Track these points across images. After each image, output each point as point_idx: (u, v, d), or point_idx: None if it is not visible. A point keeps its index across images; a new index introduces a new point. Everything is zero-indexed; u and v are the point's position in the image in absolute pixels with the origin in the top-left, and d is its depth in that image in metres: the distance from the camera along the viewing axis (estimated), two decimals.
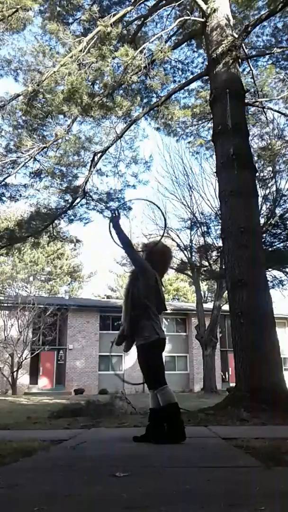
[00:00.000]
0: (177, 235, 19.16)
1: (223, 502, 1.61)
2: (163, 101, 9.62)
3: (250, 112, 11.51)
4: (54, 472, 2.27)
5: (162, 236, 4.40)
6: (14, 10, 7.35)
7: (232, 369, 20.44)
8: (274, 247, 15.31)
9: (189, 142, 14.07)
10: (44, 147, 9.89)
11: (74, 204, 11.40)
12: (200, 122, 12.63)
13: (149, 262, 3.45)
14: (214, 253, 17.72)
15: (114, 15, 8.35)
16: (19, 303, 20.41)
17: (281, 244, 15.39)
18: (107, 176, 12.23)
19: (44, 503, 1.61)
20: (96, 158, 10.88)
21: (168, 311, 24.52)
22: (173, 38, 10.50)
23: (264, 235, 14.37)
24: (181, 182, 18.55)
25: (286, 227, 15.18)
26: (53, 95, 7.89)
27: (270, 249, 14.85)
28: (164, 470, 2.27)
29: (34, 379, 21.57)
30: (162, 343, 3.34)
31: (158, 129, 12.86)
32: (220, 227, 12.63)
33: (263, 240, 12.51)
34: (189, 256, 18.99)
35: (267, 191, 15.59)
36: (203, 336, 18.46)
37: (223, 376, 23.61)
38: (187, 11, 9.53)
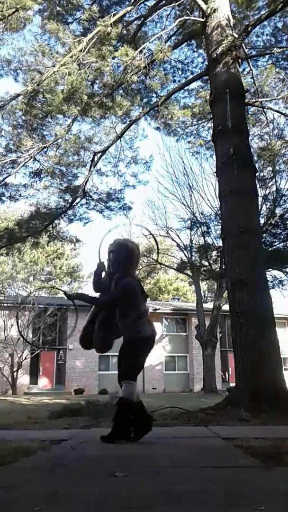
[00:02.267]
0: (177, 235, 19.20)
1: (223, 502, 1.61)
2: (163, 101, 9.61)
3: (250, 112, 11.50)
4: (54, 472, 2.27)
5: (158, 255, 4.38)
6: (14, 10, 7.34)
7: (232, 369, 20.44)
8: (274, 247, 15.31)
9: (189, 142, 14.07)
10: (44, 147, 9.88)
11: (74, 204, 11.39)
12: (200, 122, 12.63)
13: (130, 263, 3.45)
14: (214, 253, 17.72)
15: (114, 15, 8.34)
16: (19, 303, 20.41)
17: (281, 244, 15.39)
18: (107, 176, 12.23)
19: (44, 503, 1.61)
20: (96, 158, 10.87)
21: (168, 311, 24.54)
22: (173, 38, 10.50)
23: (264, 235, 14.37)
24: (181, 182, 18.59)
25: (286, 227, 15.18)
26: (53, 95, 7.88)
27: (270, 249, 14.85)
28: (164, 470, 2.27)
29: (34, 379, 21.57)
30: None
31: (158, 128, 12.87)
32: (220, 227, 12.62)
33: (263, 240, 12.50)
34: (189, 256, 18.99)
35: (267, 191, 15.61)
36: (203, 336, 18.46)
37: (223, 376, 23.61)
38: (187, 11, 9.52)
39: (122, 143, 11.48)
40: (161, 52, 7.50)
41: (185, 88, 11.12)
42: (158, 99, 10.19)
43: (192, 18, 8.81)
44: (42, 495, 1.76)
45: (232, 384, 13.65)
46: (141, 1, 9.34)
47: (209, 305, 22.06)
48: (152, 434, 3.33)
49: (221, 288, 17.95)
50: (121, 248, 3.42)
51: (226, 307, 8.61)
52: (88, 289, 41.89)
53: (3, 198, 10.91)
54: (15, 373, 19.70)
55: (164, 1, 9.73)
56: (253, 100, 9.82)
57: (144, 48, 7.97)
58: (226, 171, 6.68)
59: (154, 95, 10.93)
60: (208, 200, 17.61)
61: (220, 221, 11.33)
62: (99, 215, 12.23)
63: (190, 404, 7.40)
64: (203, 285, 27.44)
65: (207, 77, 8.74)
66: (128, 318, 3.35)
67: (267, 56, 10.98)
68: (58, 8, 9.92)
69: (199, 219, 17.88)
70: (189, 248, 18.69)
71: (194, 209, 18.11)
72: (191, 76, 11.06)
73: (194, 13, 9.38)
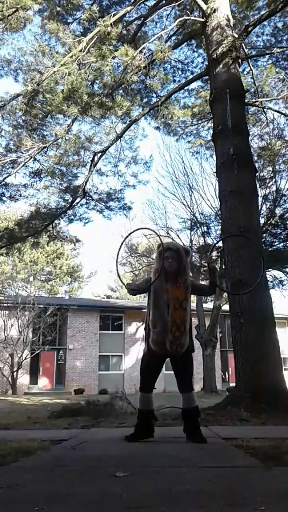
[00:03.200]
0: (177, 235, 19.16)
1: (223, 502, 1.61)
2: (163, 101, 9.61)
3: (250, 112, 11.50)
4: (54, 472, 2.27)
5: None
6: (14, 10, 7.33)
7: (232, 369, 20.44)
8: (274, 247, 15.30)
9: (189, 142, 14.08)
10: (44, 147, 9.88)
11: (74, 204, 11.40)
12: (200, 122, 12.63)
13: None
14: (214, 253, 17.70)
15: (114, 15, 8.34)
16: (19, 303, 20.41)
17: (281, 244, 15.38)
18: (107, 176, 12.22)
19: (44, 503, 1.61)
20: (96, 158, 10.88)
21: None
22: (173, 38, 10.50)
23: (264, 235, 14.36)
24: (181, 182, 18.55)
25: (286, 227, 15.17)
26: (53, 95, 7.89)
27: (270, 249, 14.85)
28: (164, 470, 2.27)
29: (34, 379, 21.58)
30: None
31: (157, 128, 12.87)
32: (220, 227, 12.63)
33: (263, 240, 12.51)
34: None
35: (267, 191, 15.58)
36: (203, 336, 18.46)
37: (223, 376, 23.62)
38: (187, 11, 9.52)
39: (122, 143, 11.49)
40: (161, 52, 7.50)
41: (185, 88, 11.13)
42: (158, 99, 10.19)
43: (192, 18, 8.80)
44: (42, 495, 1.76)
45: (232, 384, 13.65)
46: (141, 1, 9.34)
47: (209, 305, 22.05)
48: None
49: None
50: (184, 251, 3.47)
51: (226, 307, 8.61)
52: (89, 288, 41.94)
53: (3, 198, 10.91)
54: (15, 373, 19.69)
55: (164, 1, 9.73)
56: (253, 100, 9.82)
57: (144, 48, 7.98)
58: (226, 171, 6.68)
59: (154, 95, 10.94)
60: (208, 200, 17.58)
61: (220, 221, 11.34)
62: (99, 215, 12.24)
63: None
64: None
65: (207, 77, 8.74)
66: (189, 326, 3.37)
67: (267, 56, 10.98)
68: (58, 8, 9.91)
69: (199, 219, 17.86)
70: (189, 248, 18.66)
71: (194, 209, 18.08)
72: (191, 76, 11.06)
73: (194, 13, 9.38)
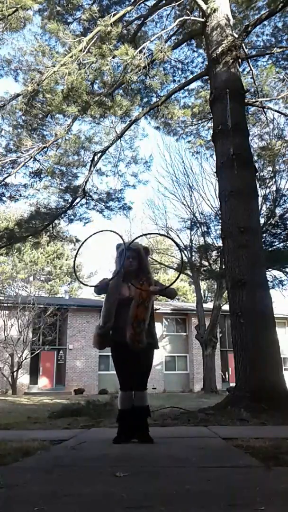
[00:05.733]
0: (177, 235, 19.17)
1: (223, 502, 1.61)
2: (163, 101, 9.61)
3: (250, 112, 11.50)
4: (54, 472, 2.26)
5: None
6: (14, 9, 7.33)
7: (232, 369, 20.44)
8: (274, 247, 15.30)
9: (189, 142, 14.10)
10: (44, 147, 9.88)
11: (74, 204, 11.40)
12: (200, 121, 12.63)
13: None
14: (214, 253, 17.72)
15: (114, 14, 8.33)
16: (19, 303, 20.41)
17: (281, 244, 15.39)
18: (107, 176, 12.24)
19: (44, 503, 1.61)
20: (96, 158, 10.88)
21: (168, 311, 24.55)
22: (173, 38, 10.49)
23: (264, 235, 14.37)
24: (181, 182, 18.56)
25: (286, 227, 15.18)
26: (53, 94, 7.89)
27: (270, 249, 14.85)
28: (164, 470, 2.27)
29: (34, 379, 21.58)
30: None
31: (157, 128, 12.88)
32: (220, 227, 12.62)
33: (263, 240, 12.49)
34: (189, 256, 18.98)
35: (267, 191, 15.60)
36: (203, 336, 18.46)
37: (223, 376, 23.62)
38: (187, 11, 9.52)
39: (122, 142, 11.50)
40: (161, 52, 7.49)
41: (185, 88, 11.12)
42: (158, 99, 10.18)
43: (192, 18, 8.80)
44: (42, 495, 1.76)
45: (232, 384, 13.65)
46: (141, 1, 9.33)
47: (209, 305, 22.06)
48: (152, 434, 3.33)
49: (221, 288, 17.95)
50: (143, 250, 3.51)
51: (226, 307, 8.61)
52: (89, 288, 41.93)
53: (3, 198, 10.91)
54: (15, 373, 19.69)
55: (164, 1, 9.72)
56: (253, 100, 9.81)
57: (144, 47, 7.97)
58: (226, 171, 6.68)
59: (154, 95, 10.93)
60: (208, 200, 17.62)
61: (220, 221, 11.33)
62: (99, 215, 12.25)
63: (190, 404, 7.41)
64: (203, 285, 27.42)
65: (207, 77, 8.74)
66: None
67: (267, 56, 10.97)
68: (58, 8, 9.91)
69: (199, 219, 17.88)
70: (189, 248, 18.67)
71: (194, 209, 18.11)
72: (191, 76, 11.06)
73: (194, 13, 9.38)
